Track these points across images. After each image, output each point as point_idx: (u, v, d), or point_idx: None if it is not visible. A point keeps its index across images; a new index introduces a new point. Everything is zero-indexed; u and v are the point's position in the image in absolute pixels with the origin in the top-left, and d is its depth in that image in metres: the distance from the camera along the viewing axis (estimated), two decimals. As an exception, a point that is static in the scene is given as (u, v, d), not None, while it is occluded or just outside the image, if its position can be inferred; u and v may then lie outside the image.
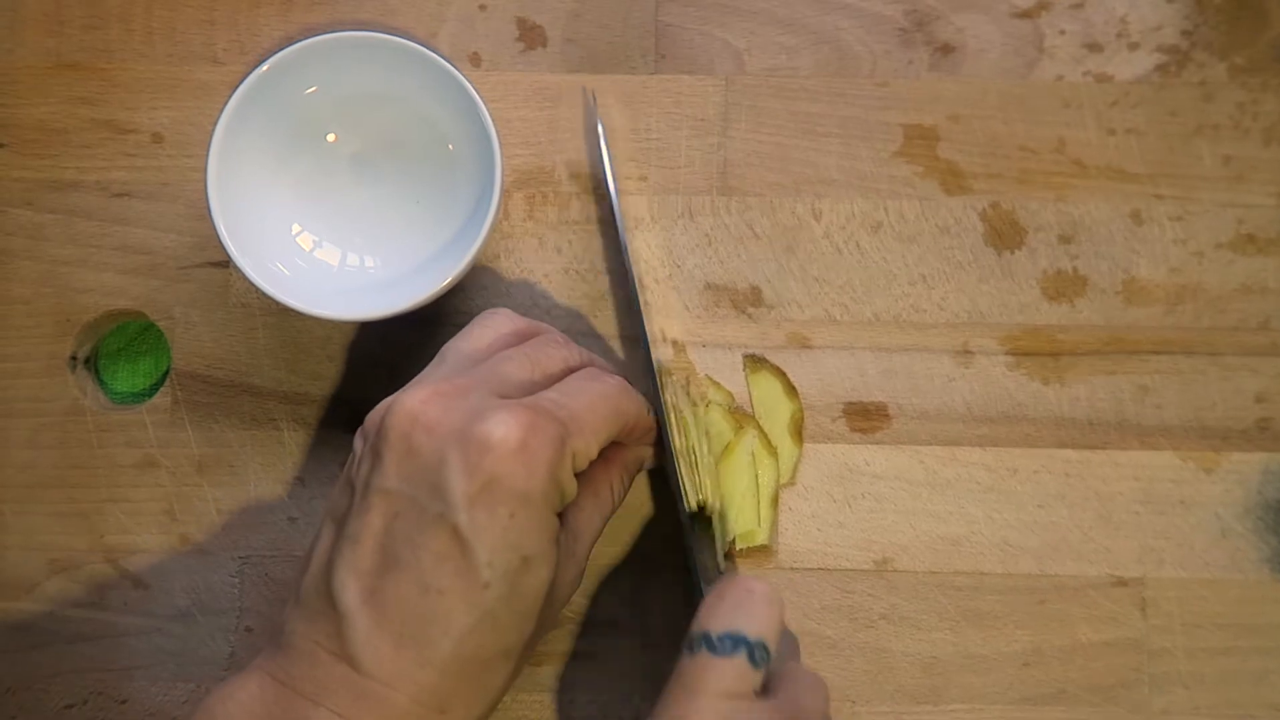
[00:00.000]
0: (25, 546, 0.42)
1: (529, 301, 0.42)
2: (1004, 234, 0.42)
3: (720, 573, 0.39)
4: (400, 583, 0.30)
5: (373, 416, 0.33)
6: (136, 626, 0.41)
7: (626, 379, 0.37)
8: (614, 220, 0.41)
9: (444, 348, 0.36)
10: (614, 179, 0.40)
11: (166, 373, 0.43)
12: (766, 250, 0.42)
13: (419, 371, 0.42)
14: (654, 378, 0.39)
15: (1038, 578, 0.40)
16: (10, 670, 0.41)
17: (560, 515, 0.34)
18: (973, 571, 0.40)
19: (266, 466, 0.42)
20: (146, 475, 0.42)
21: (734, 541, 0.40)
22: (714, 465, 0.40)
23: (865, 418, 0.41)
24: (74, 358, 0.43)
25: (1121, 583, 0.40)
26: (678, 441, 0.39)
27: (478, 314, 0.37)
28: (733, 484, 0.40)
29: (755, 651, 0.31)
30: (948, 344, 0.41)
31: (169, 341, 0.42)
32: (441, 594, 0.30)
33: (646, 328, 0.40)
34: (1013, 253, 0.42)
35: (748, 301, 0.42)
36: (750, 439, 0.40)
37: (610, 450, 0.37)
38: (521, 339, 0.36)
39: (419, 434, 0.31)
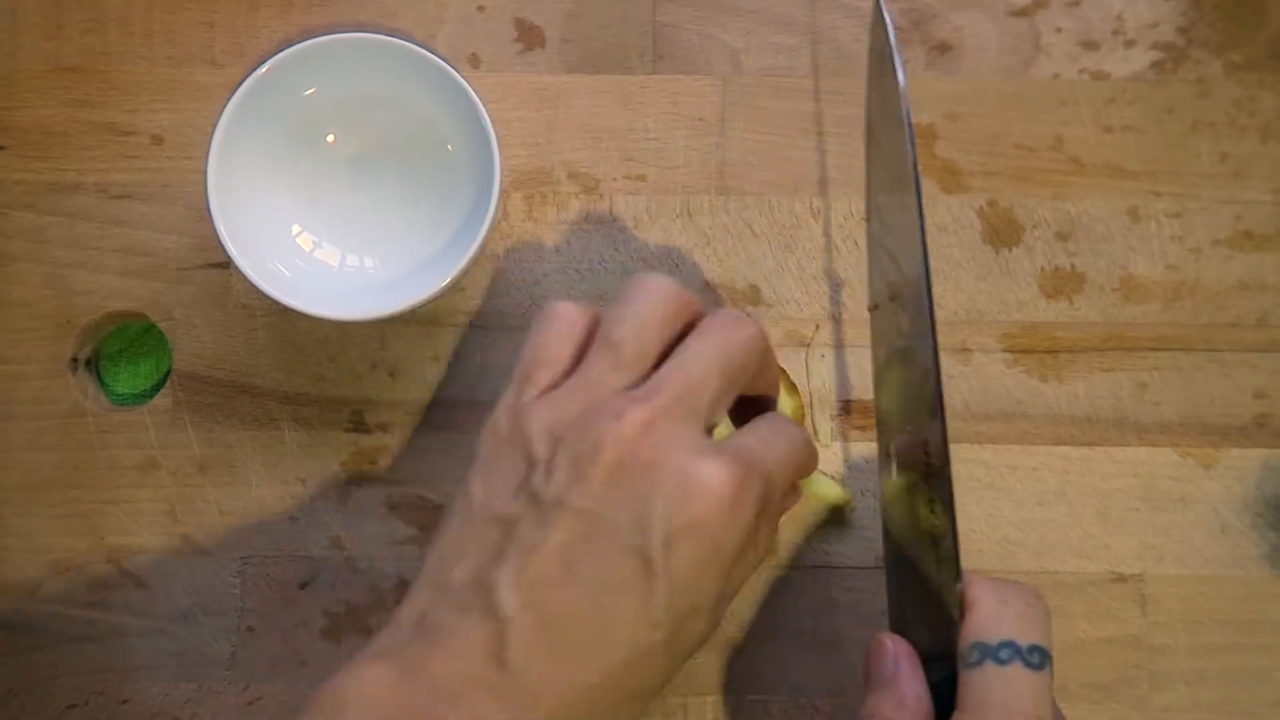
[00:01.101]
0: (27, 548, 0.42)
1: (529, 301, 0.42)
2: (1002, 232, 0.42)
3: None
4: (574, 600, 0.30)
5: (563, 423, 0.31)
6: (138, 627, 0.41)
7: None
8: (906, 153, 0.35)
9: (606, 329, 0.33)
10: (903, 70, 0.35)
11: (167, 374, 0.43)
12: (765, 249, 0.42)
13: (421, 372, 0.42)
14: (940, 409, 0.34)
15: (1037, 574, 0.40)
16: (12, 671, 0.41)
17: None
18: (972, 569, 0.40)
19: (268, 467, 0.42)
20: (148, 476, 0.42)
21: None
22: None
23: (865, 415, 0.41)
24: (75, 359, 0.43)
25: (1121, 579, 0.40)
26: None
27: (543, 306, 0.34)
28: None
29: (1050, 667, 0.30)
30: (946, 341, 0.41)
31: (170, 343, 0.43)
32: (613, 621, 0.30)
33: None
34: (1010, 250, 0.42)
35: (746, 300, 0.42)
36: None
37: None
38: (688, 314, 0.34)
39: (633, 463, 0.30)
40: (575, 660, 0.29)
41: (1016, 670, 0.30)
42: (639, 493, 0.30)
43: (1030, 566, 0.40)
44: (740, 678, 0.40)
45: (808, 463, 0.35)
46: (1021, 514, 0.41)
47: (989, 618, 0.31)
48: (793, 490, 0.36)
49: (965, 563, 0.40)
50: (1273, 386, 0.41)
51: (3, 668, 0.41)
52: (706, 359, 0.32)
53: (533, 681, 0.29)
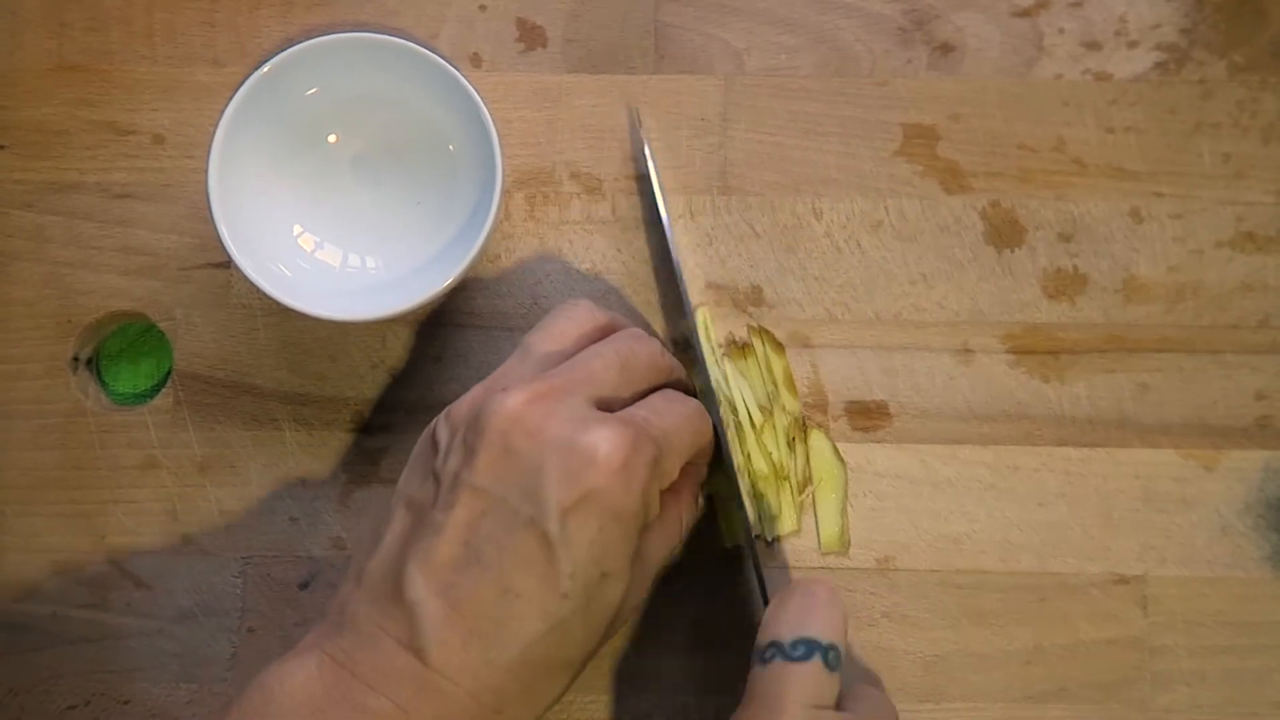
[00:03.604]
0: (27, 548, 0.42)
1: (530, 301, 0.42)
2: (1004, 232, 0.42)
3: (753, 554, 0.39)
4: (479, 581, 0.30)
5: (460, 409, 0.33)
6: (139, 628, 0.41)
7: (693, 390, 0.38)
8: (662, 231, 0.41)
9: (526, 340, 0.35)
10: (661, 192, 0.41)
11: (168, 374, 0.43)
12: (767, 249, 0.42)
13: (422, 373, 0.42)
14: (711, 393, 0.39)
15: (1039, 575, 0.40)
16: (12, 672, 0.41)
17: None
18: (974, 570, 0.40)
19: (268, 467, 0.42)
20: (148, 476, 0.42)
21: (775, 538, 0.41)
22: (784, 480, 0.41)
23: (866, 416, 0.41)
24: (76, 359, 0.43)
25: (1123, 580, 0.40)
26: (739, 459, 0.40)
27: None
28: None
29: (828, 654, 0.32)
30: (948, 342, 0.42)
31: (170, 342, 0.42)
32: (519, 598, 0.30)
33: (700, 339, 0.41)
34: (1013, 251, 0.42)
35: (749, 301, 0.42)
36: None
37: (677, 480, 0.36)
38: (603, 334, 0.36)
39: (518, 436, 0.31)
40: (489, 640, 0.30)
41: (777, 666, 0.32)
42: (528, 467, 0.31)
43: (1032, 567, 0.40)
44: (742, 678, 0.40)
45: (702, 431, 0.36)
46: (1023, 515, 0.41)
47: (765, 622, 0.33)
48: (698, 462, 0.38)
49: (969, 563, 0.40)
50: (1274, 388, 0.41)
51: (3, 668, 0.41)
52: (604, 357, 0.34)
53: (449, 666, 0.30)
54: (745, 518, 0.39)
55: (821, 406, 0.41)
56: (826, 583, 0.33)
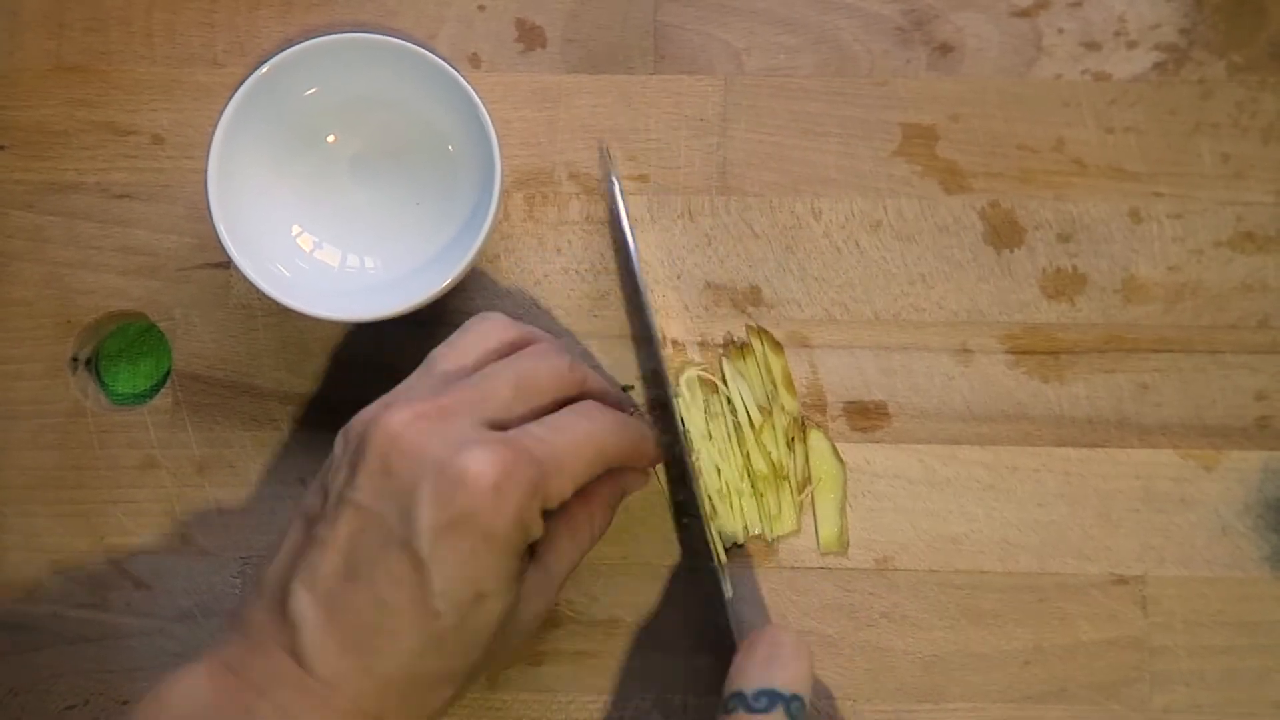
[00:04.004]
0: (27, 547, 0.42)
1: (529, 301, 0.42)
2: (1003, 232, 0.42)
3: (722, 565, 0.39)
4: (356, 594, 0.31)
5: (355, 424, 0.33)
6: (138, 627, 0.41)
7: (623, 405, 0.38)
8: (630, 262, 0.41)
9: (432, 354, 0.35)
10: (632, 232, 0.41)
11: (167, 374, 0.43)
12: (766, 250, 0.42)
13: (419, 372, 0.42)
14: (670, 400, 0.39)
15: (1038, 576, 0.40)
16: (12, 671, 0.41)
17: (534, 549, 0.34)
18: (973, 570, 0.40)
19: (267, 467, 0.42)
20: (148, 476, 0.42)
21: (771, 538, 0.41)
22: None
23: (865, 416, 0.41)
24: (75, 359, 0.43)
25: (1122, 581, 0.40)
26: (705, 479, 0.40)
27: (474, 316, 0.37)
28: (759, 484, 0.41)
29: (791, 706, 0.32)
30: (947, 343, 0.41)
31: (170, 343, 0.42)
32: (393, 614, 0.31)
33: (658, 341, 0.41)
34: (1012, 251, 0.42)
35: (747, 301, 0.42)
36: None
37: (591, 484, 0.36)
38: (514, 349, 0.36)
39: (396, 456, 0.31)
40: (365, 650, 0.31)
41: (740, 718, 0.32)
42: (403, 487, 0.31)
43: (1031, 568, 0.40)
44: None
45: (610, 448, 0.35)
46: (1022, 515, 0.41)
47: (731, 672, 0.34)
48: (639, 474, 0.38)
49: (968, 564, 0.40)
50: (1274, 388, 0.41)
51: (3, 668, 0.41)
52: (500, 376, 0.34)
53: (328, 674, 0.31)
54: (714, 537, 0.39)
55: (820, 406, 0.41)
56: (791, 631, 0.34)
